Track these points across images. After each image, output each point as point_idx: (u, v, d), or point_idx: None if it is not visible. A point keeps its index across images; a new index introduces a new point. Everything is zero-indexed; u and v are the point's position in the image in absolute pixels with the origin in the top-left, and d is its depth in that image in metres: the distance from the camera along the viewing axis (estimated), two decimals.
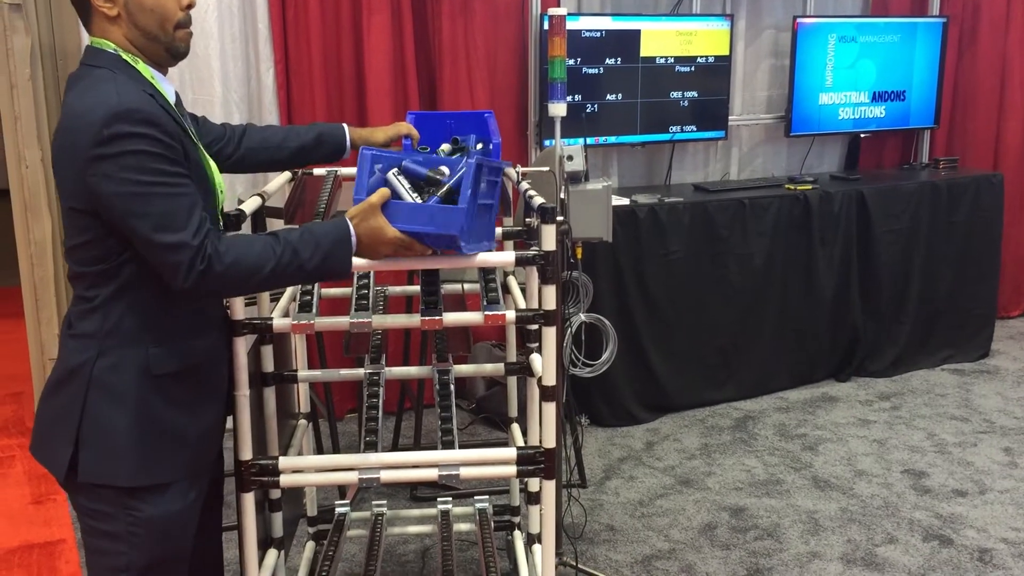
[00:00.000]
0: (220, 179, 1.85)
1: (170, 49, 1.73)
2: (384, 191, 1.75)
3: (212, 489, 1.92)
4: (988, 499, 3.38)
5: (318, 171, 2.59)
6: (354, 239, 1.72)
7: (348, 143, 2.19)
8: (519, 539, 2.72)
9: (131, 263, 1.66)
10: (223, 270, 1.61)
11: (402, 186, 1.81)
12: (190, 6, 1.75)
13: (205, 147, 1.84)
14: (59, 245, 3.87)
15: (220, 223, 1.83)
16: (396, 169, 1.84)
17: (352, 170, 2.66)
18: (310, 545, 2.76)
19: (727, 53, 4.37)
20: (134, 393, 1.68)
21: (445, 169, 1.85)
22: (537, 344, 2.21)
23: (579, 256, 3.26)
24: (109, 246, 1.64)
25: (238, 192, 3.73)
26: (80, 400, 1.66)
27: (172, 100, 1.74)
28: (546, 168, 2.69)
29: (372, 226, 1.73)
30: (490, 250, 1.88)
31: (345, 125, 2.20)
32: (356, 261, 1.75)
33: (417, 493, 3.39)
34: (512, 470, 2.01)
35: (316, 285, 2.06)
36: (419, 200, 1.80)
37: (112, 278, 1.66)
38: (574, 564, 2.90)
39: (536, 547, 2.47)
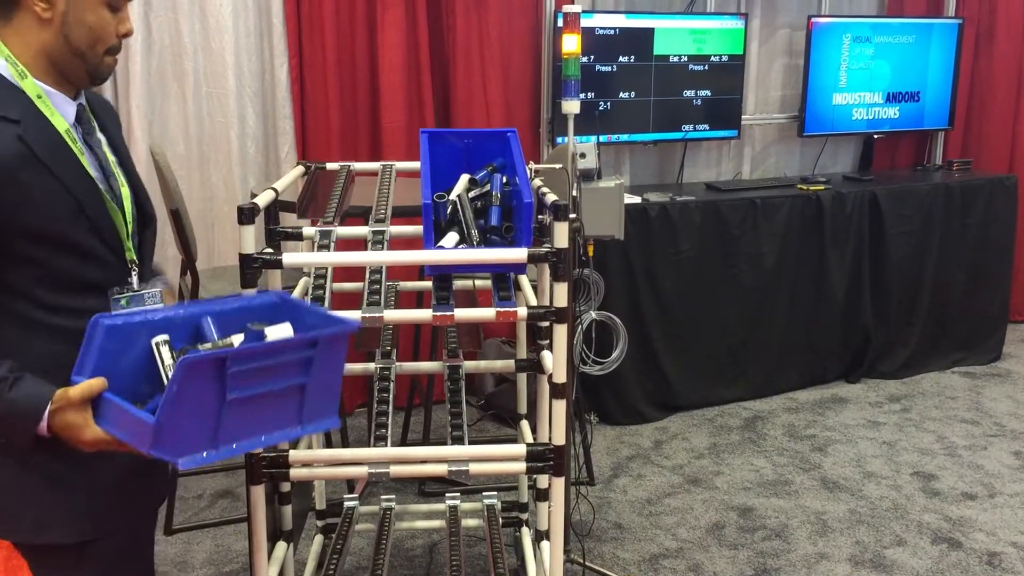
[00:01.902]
0: (127, 205, 1.65)
1: (92, 72, 1.59)
2: (90, 385, 1.42)
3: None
4: (998, 503, 3.37)
5: (331, 165, 2.59)
6: (42, 426, 1.44)
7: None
8: (527, 535, 2.72)
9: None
10: None
11: (162, 361, 1.51)
12: (127, 34, 1.61)
13: None
14: None
15: (127, 253, 1.64)
16: (165, 337, 1.53)
17: (368, 165, 2.68)
18: (318, 538, 2.77)
19: (741, 52, 4.36)
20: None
21: (233, 340, 1.54)
22: (548, 341, 2.21)
23: (591, 254, 3.26)
24: None
25: (250, 185, 3.74)
26: None
27: (68, 121, 1.57)
28: (559, 165, 2.69)
29: (69, 422, 1.43)
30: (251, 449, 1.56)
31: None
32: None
33: (425, 488, 3.39)
34: (521, 467, 2.01)
35: (329, 279, 2.06)
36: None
37: None
38: (582, 561, 2.90)
39: (544, 544, 2.47)
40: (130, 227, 1.65)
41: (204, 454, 1.41)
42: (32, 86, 1.53)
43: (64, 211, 1.53)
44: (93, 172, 1.58)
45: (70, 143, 1.55)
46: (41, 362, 1.51)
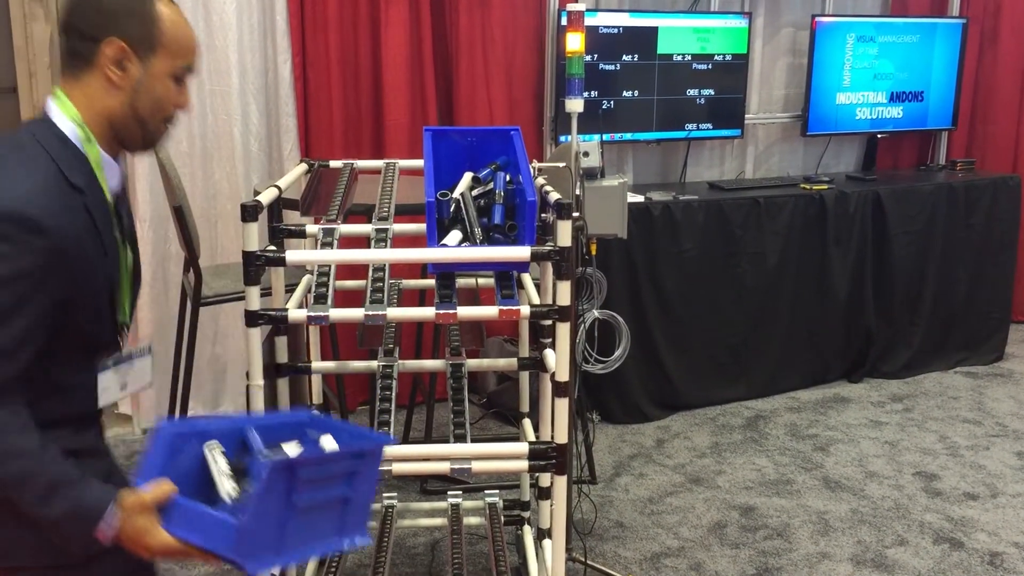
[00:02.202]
0: (126, 290, 1.66)
1: (148, 138, 1.61)
2: (163, 489, 1.41)
3: None
4: (1000, 503, 3.37)
5: (335, 163, 2.59)
6: (108, 530, 1.41)
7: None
8: (529, 534, 2.72)
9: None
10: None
11: (217, 467, 1.51)
12: (183, 106, 1.63)
13: None
14: None
15: (117, 331, 1.65)
16: (216, 443, 1.54)
17: (371, 163, 2.68)
18: None
19: (744, 51, 4.35)
20: None
21: (290, 449, 1.57)
22: (550, 340, 2.21)
23: (593, 252, 3.26)
24: None
25: (253, 183, 3.75)
26: None
27: (113, 188, 1.59)
28: (562, 164, 2.69)
29: (136, 526, 1.41)
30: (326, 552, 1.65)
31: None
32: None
33: (427, 486, 3.40)
34: (524, 465, 2.01)
35: (332, 276, 2.06)
36: (235, 489, 1.49)
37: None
38: (583, 560, 2.90)
39: (546, 542, 2.48)
40: (129, 291, 1.67)
41: (270, 560, 1.41)
42: (95, 153, 1.54)
43: (101, 279, 1.56)
44: (119, 238, 1.61)
45: (111, 211, 1.57)
46: (50, 419, 1.48)
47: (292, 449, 1.57)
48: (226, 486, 1.49)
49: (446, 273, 2.06)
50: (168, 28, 1.55)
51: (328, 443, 1.59)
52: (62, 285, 1.46)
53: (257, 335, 1.95)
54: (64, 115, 1.53)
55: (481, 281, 2.52)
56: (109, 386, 1.65)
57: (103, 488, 1.43)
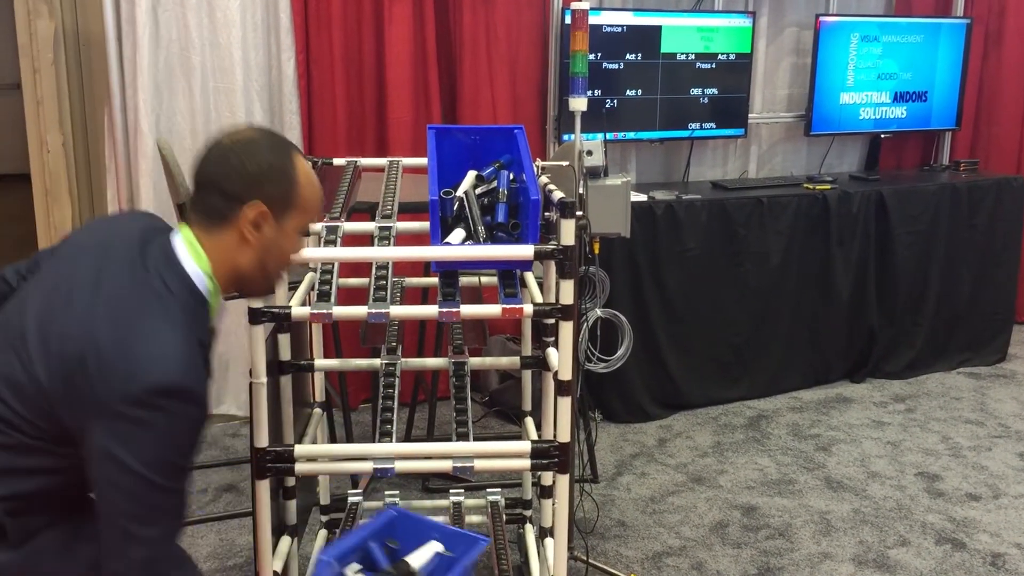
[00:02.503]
0: None
1: (268, 287, 1.69)
2: None
3: None
4: (1002, 504, 3.37)
5: (338, 161, 2.59)
6: None
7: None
8: (530, 532, 2.72)
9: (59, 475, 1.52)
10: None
11: None
12: (298, 253, 1.69)
13: None
14: None
15: None
16: (358, 567, 1.77)
17: (375, 161, 2.68)
18: (322, 533, 2.77)
19: (748, 50, 4.35)
20: None
21: (413, 565, 1.81)
22: (553, 338, 2.21)
23: (596, 251, 3.25)
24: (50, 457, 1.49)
25: None
26: None
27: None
28: (565, 162, 2.69)
29: None
30: None
31: None
32: None
33: (429, 484, 3.40)
34: (526, 463, 2.01)
35: (335, 274, 2.06)
36: None
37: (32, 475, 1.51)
38: (585, 559, 2.90)
39: (548, 541, 2.48)
40: None
41: None
42: (217, 304, 1.59)
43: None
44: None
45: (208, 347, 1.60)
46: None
47: (415, 560, 1.84)
48: None
49: (449, 271, 2.06)
50: (304, 189, 1.60)
51: (425, 553, 1.87)
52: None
53: (260, 332, 1.96)
54: (196, 265, 1.55)
55: (484, 279, 2.52)
56: None
57: None
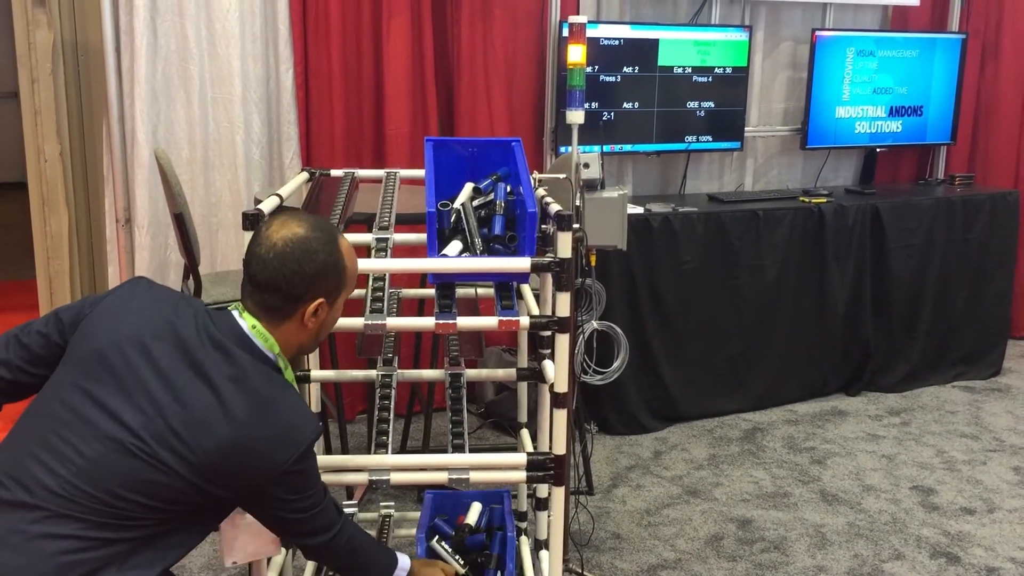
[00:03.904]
0: None
1: (310, 351, 1.86)
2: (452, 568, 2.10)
3: None
4: (996, 518, 3.37)
5: (335, 172, 2.60)
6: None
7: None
8: (525, 544, 2.72)
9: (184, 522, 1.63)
10: (344, 541, 1.80)
11: (446, 551, 2.21)
12: None
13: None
14: (75, 239, 3.89)
15: None
16: (437, 536, 2.26)
17: (372, 172, 2.68)
18: None
19: (744, 64, 4.37)
20: None
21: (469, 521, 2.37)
22: (549, 350, 2.22)
23: (593, 264, 3.26)
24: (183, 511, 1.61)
25: (254, 191, 3.75)
26: None
27: None
28: (562, 175, 2.69)
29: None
30: None
31: None
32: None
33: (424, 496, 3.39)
34: (522, 476, 2.01)
35: None
36: (461, 562, 2.20)
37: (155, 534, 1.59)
38: (580, 571, 2.89)
39: (543, 553, 2.47)
40: None
41: None
42: (291, 376, 1.76)
43: None
44: None
45: None
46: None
47: (470, 518, 2.44)
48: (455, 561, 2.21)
49: (446, 283, 2.06)
50: (350, 271, 1.77)
51: (476, 508, 2.46)
52: None
53: None
54: (266, 348, 1.70)
55: (481, 291, 2.52)
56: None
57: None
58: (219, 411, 1.56)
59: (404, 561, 1.93)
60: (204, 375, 1.58)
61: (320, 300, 1.70)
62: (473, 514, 2.40)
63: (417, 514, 2.88)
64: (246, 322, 1.68)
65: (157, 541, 1.58)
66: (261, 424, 1.58)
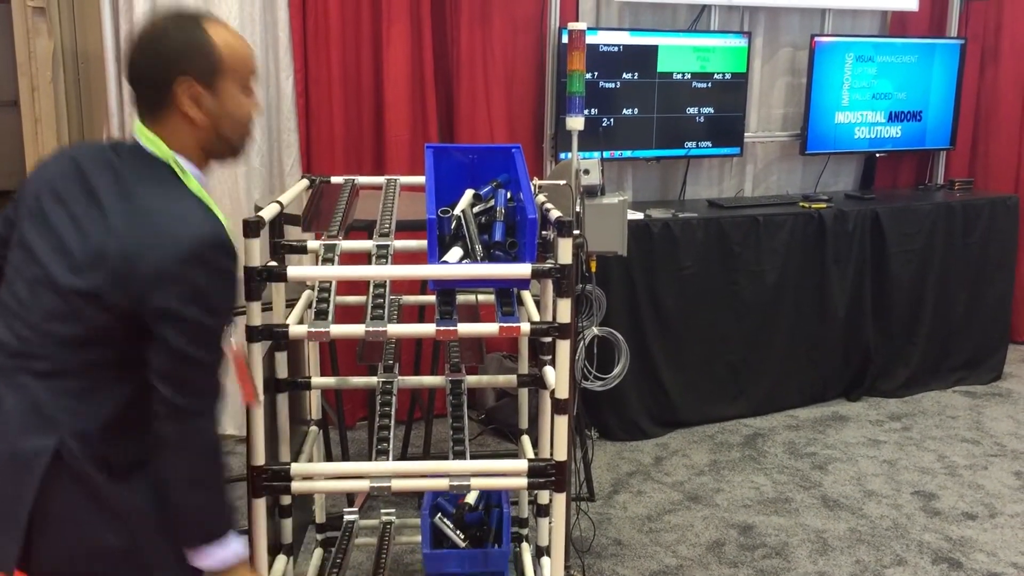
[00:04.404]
0: None
1: (237, 150, 1.73)
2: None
3: None
4: (998, 523, 3.37)
5: (336, 179, 2.60)
6: (220, 553, 1.63)
7: None
8: (527, 551, 2.71)
9: (130, 363, 1.58)
10: (204, 426, 1.61)
11: (448, 527, 2.33)
12: (256, 109, 1.74)
13: None
14: None
15: None
16: (439, 513, 2.37)
17: (372, 179, 2.69)
18: (318, 552, 2.76)
19: (744, 70, 4.38)
20: (95, 480, 1.57)
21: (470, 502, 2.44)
22: (550, 356, 2.22)
23: (593, 270, 3.26)
24: (121, 340, 1.57)
25: (255, 198, 3.75)
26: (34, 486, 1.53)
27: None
28: (562, 181, 2.70)
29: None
30: None
31: None
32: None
33: None
34: (523, 482, 2.01)
35: (333, 292, 2.06)
36: (462, 536, 2.34)
37: (102, 373, 1.58)
38: None
39: (544, 559, 2.47)
40: None
41: None
42: (194, 183, 1.64)
43: None
44: None
45: None
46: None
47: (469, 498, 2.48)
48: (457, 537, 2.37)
49: (447, 290, 2.06)
50: (224, 50, 1.63)
51: None
52: None
53: (258, 350, 1.96)
54: (159, 155, 1.62)
55: (481, 298, 2.52)
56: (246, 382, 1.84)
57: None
58: (104, 228, 1.54)
59: (239, 544, 1.67)
60: (96, 199, 1.57)
61: (187, 81, 1.59)
62: (472, 495, 2.48)
63: (418, 521, 2.88)
64: (138, 132, 1.64)
65: (103, 389, 1.58)
66: (138, 231, 1.52)
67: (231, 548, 1.64)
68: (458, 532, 2.35)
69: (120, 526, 1.57)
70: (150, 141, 1.62)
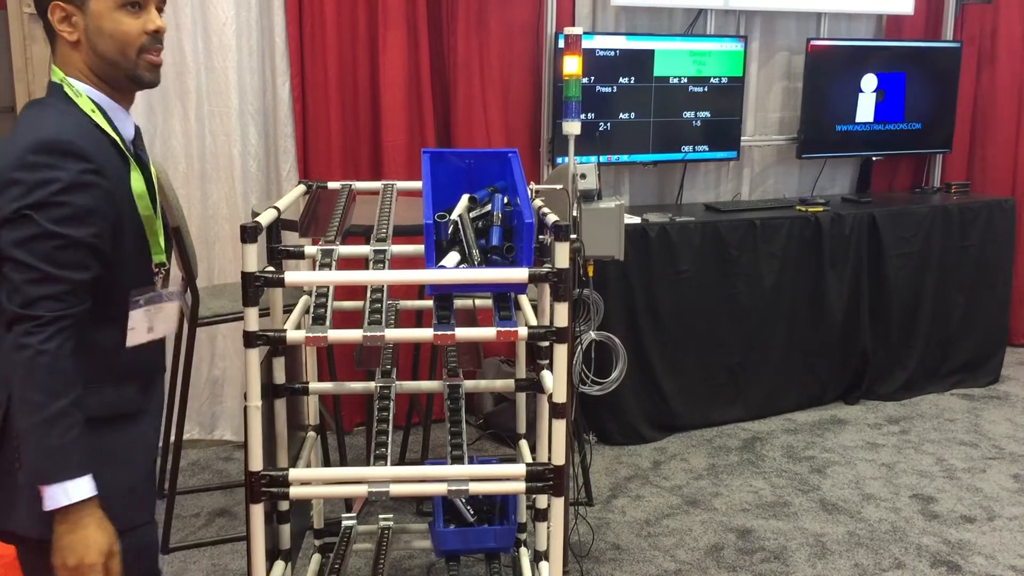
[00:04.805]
0: (158, 227, 1.77)
1: (131, 76, 1.68)
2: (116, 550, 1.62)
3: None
4: (997, 526, 3.37)
5: (332, 184, 2.60)
6: (60, 496, 1.52)
7: None
8: (525, 556, 2.71)
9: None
10: (38, 345, 1.50)
11: (461, 503, 2.41)
12: (157, 31, 1.69)
13: None
14: None
15: (161, 266, 1.79)
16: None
17: (369, 184, 2.69)
18: (316, 558, 2.76)
19: (740, 74, 4.38)
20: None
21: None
22: (547, 361, 2.21)
23: (591, 274, 3.26)
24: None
25: (252, 203, 3.75)
26: None
27: (127, 135, 1.71)
28: (559, 186, 2.70)
29: (88, 531, 1.55)
30: None
31: None
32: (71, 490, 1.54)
33: (423, 508, 3.39)
34: (521, 487, 2.00)
35: (330, 299, 2.06)
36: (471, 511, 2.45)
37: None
38: None
39: (543, 564, 2.46)
40: (161, 230, 1.78)
41: None
42: (87, 103, 1.65)
43: (111, 215, 1.63)
44: (139, 185, 1.70)
45: (127, 158, 1.68)
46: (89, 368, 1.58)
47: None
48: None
49: (444, 295, 2.06)
50: None
51: None
52: (108, 207, 1.60)
53: (255, 356, 1.95)
54: (55, 80, 1.66)
55: (479, 302, 2.52)
56: (137, 326, 1.72)
57: (86, 466, 1.54)
58: None
59: (82, 486, 1.53)
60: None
61: (57, 4, 1.62)
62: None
63: (417, 526, 2.88)
64: (53, 73, 1.69)
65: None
66: (8, 138, 1.59)
67: (59, 496, 1.51)
68: (468, 508, 2.44)
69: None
70: (52, 71, 1.67)
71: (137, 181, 1.69)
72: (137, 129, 1.77)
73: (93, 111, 1.64)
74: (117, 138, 1.67)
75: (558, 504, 2.02)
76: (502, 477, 2.05)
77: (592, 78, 4.08)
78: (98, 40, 1.64)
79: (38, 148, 1.53)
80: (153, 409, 1.82)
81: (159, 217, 1.76)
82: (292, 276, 1.92)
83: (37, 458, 1.52)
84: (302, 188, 2.52)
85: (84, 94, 1.65)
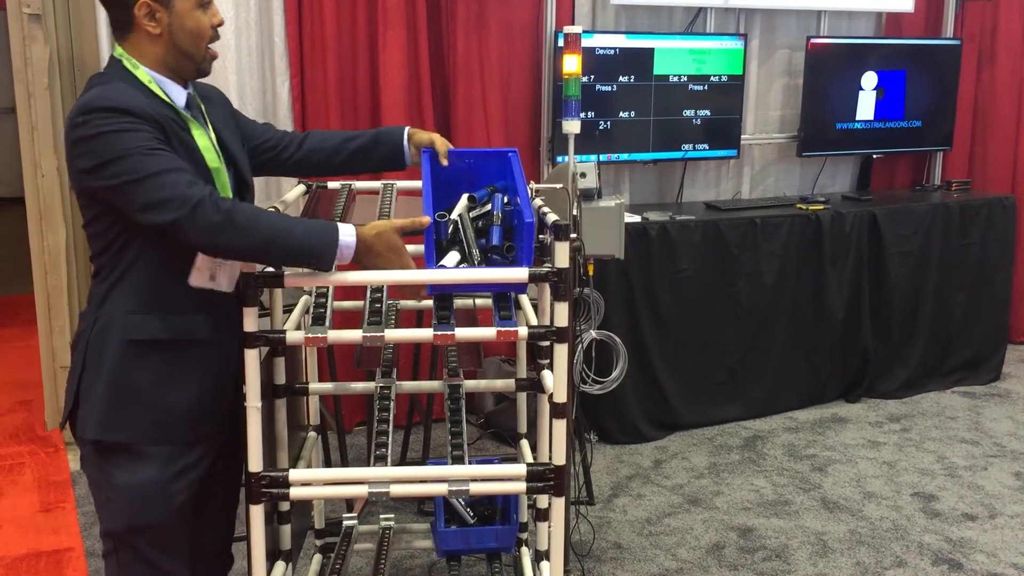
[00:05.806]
0: (225, 178, 1.94)
1: (200, 66, 1.91)
2: (419, 220, 1.93)
3: (220, 478, 2.04)
4: (998, 523, 3.36)
5: (332, 184, 2.60)
6: (349, 241, 1.80)
7: (406, 144, 2.29)
8: (526, 555, 2.70)
9: (131, 244, 1.81)
10: (221, 217, 1.70)
11: (459, 504, 2.45)
12: (219, 24, 1.91)
13: (258, 148, 2.14)
14: (72, 254, 3.88)
15: None
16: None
17: (369, 184, 2.68)
18: (317, 558, 2.76)
19: (740, 72, 4.38)
20: (111, 356, 1.83)
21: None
22: (548, 360, 2.21)
23: (591, 273, 3.26)
24: (109, 225, 1.80)
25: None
26: (80, 361, 1.86)
27: (180, 103, 1.88)
28: (559, 185, 2.70)
29: (385, 239, 1.87)
30: None
31: (407, 128, 2.29)
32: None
33: (424, 507, 3.39)
34: (522, 486, 2.00)
35: (329, 299, 2.06)
36: (471, 513, 2.46)
37: (112, 256, 1.83)
38: None
39: (544, 564, 2.46)
40: (230, 178, 1.96)
41: None
42: (144, 74, 1.84)
43: (199, 164, 1.86)
44: (203, 140, 1.88)
45: (185, 118, 1.86)
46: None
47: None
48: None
49: (444, 294, 2.06)
50: None
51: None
52: (172, 151, 1.77)
53: (255, 356, 1.95)
54: (126, 65, 1.84)
55: (479, 302, 2.52)
56: (202, 267, 1.88)
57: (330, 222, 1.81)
58: None
59: (347, 232, 1.82)
60: None
61: (146, 2, 1.79)
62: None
63: (418, 526, 2.87)
64: (116, 52, 1.86)
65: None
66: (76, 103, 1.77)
67: (345, 251, 1.80)
68: (468, 510, 2.45)
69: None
70: (120, 54, 1.85)
71: (201, 136, 1.87)
72: (190, 97, 1.92)
73: (150, 81, 1.83)
74: (171, 103, 1.85)
75: (559, 504, 2.02)
76: (503, 477, 2.05)
77: (592, 77, 4.08)
78: (180, 35, 1.84)
79: (77, 113, 1.72)
80: (223, 338, 1.94)
81: (225, 171, 1.92)
82: (292, 276, 1.92)
83: (307, 254, 1.77)
84: (302, 188, 2.52)
85: (142, 68, 1.83)
